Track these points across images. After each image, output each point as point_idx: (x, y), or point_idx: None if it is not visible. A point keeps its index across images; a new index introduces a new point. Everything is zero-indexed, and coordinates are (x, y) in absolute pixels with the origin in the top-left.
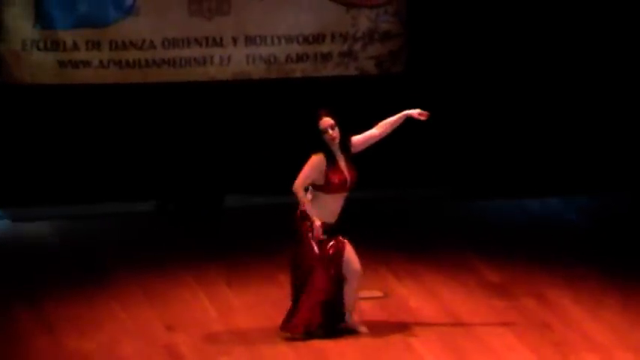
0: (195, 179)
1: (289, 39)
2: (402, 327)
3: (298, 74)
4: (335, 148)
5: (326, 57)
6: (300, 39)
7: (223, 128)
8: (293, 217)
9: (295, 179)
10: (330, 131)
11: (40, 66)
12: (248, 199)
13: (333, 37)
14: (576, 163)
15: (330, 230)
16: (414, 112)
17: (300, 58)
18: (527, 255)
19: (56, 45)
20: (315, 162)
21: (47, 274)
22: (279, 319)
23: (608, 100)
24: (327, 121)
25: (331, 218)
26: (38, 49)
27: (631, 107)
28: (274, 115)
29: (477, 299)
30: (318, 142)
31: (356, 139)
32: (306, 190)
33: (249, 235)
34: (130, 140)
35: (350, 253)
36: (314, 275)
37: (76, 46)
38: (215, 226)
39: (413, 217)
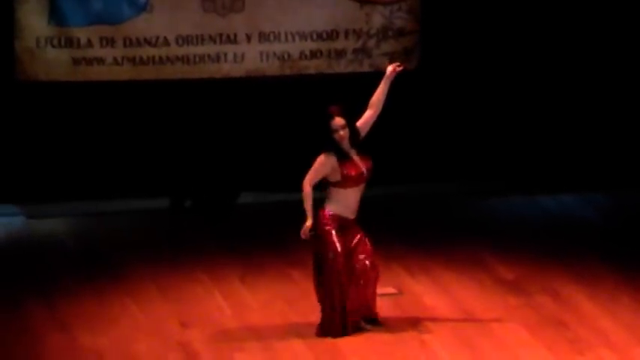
0: (209, 176)
1: (303, 36)
2: (416, 324)
3: (312, 71)
4: (345, 144)
5: (340, 54)
6: (314, 35)
7: (237, 125)
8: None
9: (303, 181)
10: (341, 132)
11: (54, 63)
12: (262, 196)
13: (346, 33)
14: (591, 159)
15: (348, 227)
16: (390, 70)
17: (313, 54)
18: (541, 252)
19: (70, 42)
20: (324, 160)
21: (61, 271)
22: (292, 316)
23: (625, 97)
24: (338, 121)
25: (351, 213)
26: (52, 46)
27: None
28: (288, 112)
29: (491, 296)
30: (328, 140)
31: (358, 125)
32: (324, 187)
33: (264, 232)
34: (144, 137)
35: (368, 246)
36: (336, 270)
37: (90, 43)
38: (229, 223)
39: (427, 214)
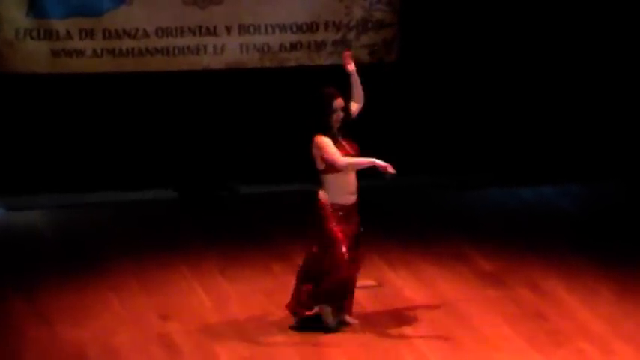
0: (186, 168)
1: (283, 28)
2: (396, 316)
3: (292, 63)
4: (336, 128)
5: (320, 46)
6: (294, 28)
7: (217, 117)
8: (313, 204)
9: (333, 161)
10: (340, 113)
11: (33, 55)
12: (243, 189)
13: (326, 25)
14: (570, 151)
15: (351, 212)
16: (349, 67)
17: (293, 46)
18: (520, 244)
19: (49, 34)
20: (324, 138)
21: (42, 264)
22: (273, 309)
23: (602, 89)
24: (340, 102)
25: (349, 199)
26: (32, 38)
27: (625, 96)
28: (268, 105)
29: (471, 289)
30: (322, 121)
31: (351, 105)
32: (319, 176)
33: (245, 224)
34: (124, 129)
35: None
36: (335, 257)
37: (69, 35)
38: (209, 215)
39: (407, 207)
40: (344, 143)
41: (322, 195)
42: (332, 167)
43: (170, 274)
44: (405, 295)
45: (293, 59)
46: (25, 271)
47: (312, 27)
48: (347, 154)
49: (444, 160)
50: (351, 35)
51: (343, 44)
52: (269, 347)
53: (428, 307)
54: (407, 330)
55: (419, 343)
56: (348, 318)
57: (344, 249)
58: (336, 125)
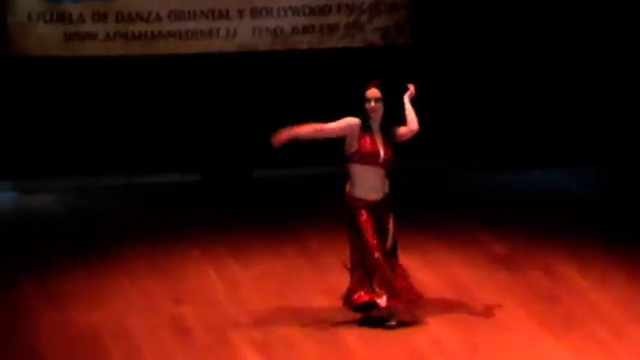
0: (198, 151)
1: (295, 11)
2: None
3: (304, 46)
4: (373, 121)
5: (332, 29)
6: (307, 10)
7: (228, 101)
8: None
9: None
10: (373, 103)
11: (46, 38)
12: (257, 172)
13: (339, 8)
14: (582, 134)
15: (376, 209)
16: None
17: (306, 29)
18: (533, 227)
19: (62, 17)
20: (349, 120)
21: (54, 248)
22: (286, 293)
23: (617, 72)
24: (373, 92)
25: (371, 194)
26: (44, 21)
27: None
28: (280, 88)
29: (483, 272)
30: (360, 109)
31: (399, 129)
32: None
33: (257, 208)
34: (136, 112)
35: (390, 238)
36: (365, 250)
37: (82, 18)
38: (222, 199)
39: (419, 190)
40: (377, 140)
41: (348, 187)
42: (356, 154)
43: (183, 258)
44: (417, 279)
45: (305, 42)
46: (38, 255)
47: (324, 10)
48: (372, 150)
49: (456, 143)
50: (364, 18)
51: (355, 27)
52: (282, 331)
53: (440, 290)
54: (419, 313)
55: (431, 326)
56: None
57: (371, 241)
58: (372, 116)
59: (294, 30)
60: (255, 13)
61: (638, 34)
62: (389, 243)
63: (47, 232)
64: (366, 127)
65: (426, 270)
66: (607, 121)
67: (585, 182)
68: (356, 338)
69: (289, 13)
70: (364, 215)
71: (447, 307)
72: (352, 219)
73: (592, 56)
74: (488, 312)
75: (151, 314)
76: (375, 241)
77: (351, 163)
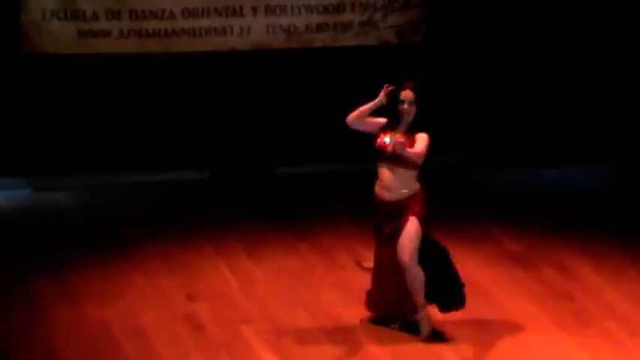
0: (211, 149)
1: (309, 8)
2: None
3: (318, 44)
4: (403, 122)
5: (346, 27)
6: (320, 8)
7: (242, 98)
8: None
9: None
10: (406, 105)
11: (59, 36)
12: (270, 170)
13: (353, 6)
14: (597, 131)
15: (391, 211)
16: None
17: (320, 27)
18: (547, 224)
19: (76, 15)
20: (380, 118)
21: (68, 244)
22: (298, 289)
23: (629, 69)
24: (407, 94)
25: (384, 192)
26: (58, 18)
27: None
28: (294, 86)
29: (497, 269)
30: (393, 108)
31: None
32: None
33: (269, 205)
34: (150, 110)
35: (404, 239)
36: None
37: (95, 16)
38: (235, 196)
39: (432, 187)
40: (402, 139)
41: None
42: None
43: (196, 254)
44: None
45: (319, 40)
46: (52, 252)
47: (338, 8)
48: (381, 143)
49: (470, 141)
50: (378, 16)
51: (369, 25)
52: (295, 328)
53: None
54: (432, 310)
55: (444, 322)
56: (423, 328)
57: (378, 244)
58: (405, 117)
59: (308, 28)
60: (269, 10)
61: None
62: (400, 249)
63: (61, 229)
64: (391, 126)
65: None
66: (620, 119)
67: (599, 180)
68: (369, 335)
69: (303, 10)
70: (376, 223)
71: None
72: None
73: (606, 54)
74: (502, 309)
75: (164, 311)
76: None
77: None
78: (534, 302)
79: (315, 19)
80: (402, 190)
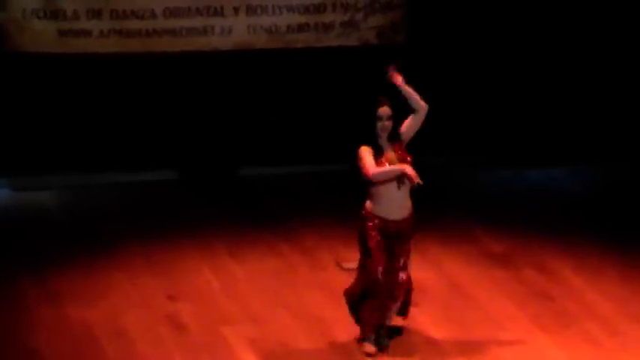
0: (194, 149)
1: (291, 9)
2: None
3: (300, 44)
4: (383, 138)
5: (327, 27)
6: (302, 9)
7: (224, 98)
8: (359, 216)
9: (365, 171)
10: (386, 122)
11: (40, 35)
12: (253, 170)
13: (334, 7)
14: (578, 133)
15: (400, 235)
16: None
17: (301, 28)
18: (529, 225)
19: (56, 14)
20: (367, 149)
21: (50, 245)
22: (280, 289)
23: (609, 71)
24: (385, 110)
25: (394, 214)
26: (38, 17)
27: (633, 79)
28: (276, 86)
29: (478, 269)
30: (368, 129)
31: (402, 128)
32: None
33: (251, 206)
34: (131, 109)
35: (406, 261)
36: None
37: (76, 15)
38: (217, 197)
39: (414, 187)
40: (390, 155)
41: (368, 204)
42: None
43: (178, 255)
44: (413, 275)
45: (301, 40)
46: (34, 252)
47: (319, 8)
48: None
49: (452, 142)
50: (359, 16)
51: (351, 25)
52: (277, 328)
53: (435, 287)
54: (413, 309)
55: (425, 322)
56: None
57: (379, 267)
58: (383, 134)
59: (290, 28)
60: (251, 10)
61: (632, 32)
62: (401, 267)
63: (43, 229)
64: (377, 150)
65: (422, 267)
66: (601, 121)
67: (580, 181)
68: (349, 335)
69: (284, 11)
70: (377, 244)
71: (442, 304)
72: (364, 243)
73: (586, 56)
74: (482, 309)
75: (147, 311)
76: (381, 267)
77: (369, 185)
78: (515, 302)
79: (297, 19)
80: (408, 206)
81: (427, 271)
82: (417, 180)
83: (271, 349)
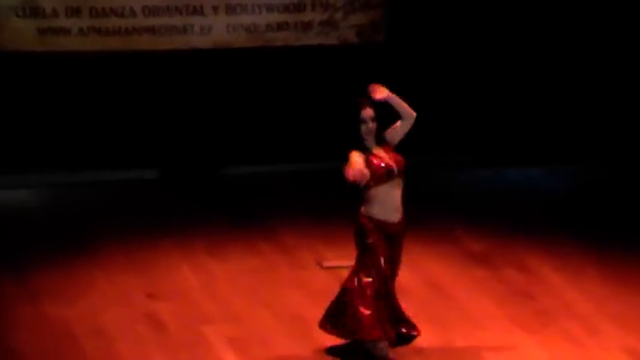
0: (174, 147)
1: (270, 8)
2: None
3: (279, 43)
4: (369, 141)
5: (307, 26)
6: (281, 8)
7: (203, 97)
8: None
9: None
10: (370, 124)
11: (19, 33)
12: (234, 169)
13: (313, 5)
14: (557, 132)
15: (395, 239)
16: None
17: (280, 26)
18: (509, 224)
19: (35, 12)
20: (357, 153)
21: (29, 243)
22: (260, 288)
23: (586, 73)
24: (368, 112)
25: (391, 215)
26: (17, 15)
27: (608, 80)
28: (255, 85)
29: (458, 268)
30: (353, 134)
31: (388, 132)
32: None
33: (231, 204)
34: (111, 108)
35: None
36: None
37: (55, 13)
38: (197, 195)
39: None
40: (382, 154)
41: (363, 209)
42: (371, 178)
43: (158, 253)
44: None
45: (280, 39)
46: (13, 250)
47: (299, 7)
48: (386, 165)
49: (431, 141)
50: (338, 15)
51: (330, 24)
52: (256, 327)
53: (415, 286)
54: None
55: None
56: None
57: (381, 257)
58: (368, 137)
59: (269, 27)
60: (230, 9)
61: (608, 30)
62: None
63: (23, 227)
64: (367, 153)
65: (402, 266)
66: (580, 120)
67: (560, 180)
68: (330, 335)
69: (264, 10)
70: (375, 235)
71: (421, 303)
72: (364, 246)
73: (564, 55)
74: (462, 309)
75: (125, 309)
76: (382, 257)
77: (366, 189)
78: (495, 302)
79: (276, 18)
80: (401, 209)
81: (407, 270)
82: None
83: (251, 347)
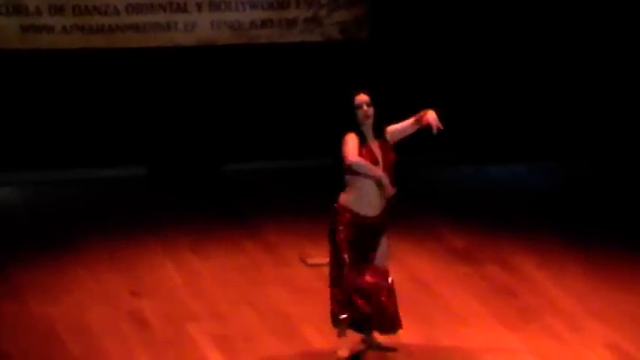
0: (158, 145)
1: (254, 5)
2: None
3: (263, 40)
4: (367, 128)
5: (291, 23)
6: (265, 5)
7: (188, 94)
8: (330, 211)
9: (344, 156)
10: (365, 107)
11: (2, 31)
12: (215, 166)
13: (297, 3)
14: (539, 129)
15: (373, 231)
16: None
17: (264, 24)
18: (492, 221)
19: (18, 9)
20: (352, 136)
21: (13, 240)
22: (244, 285)
23: (571, 72)
24: (362, 97)
25: (370, 210)
26: (0, 13)
27: (594, 76)
28: (239, 82)
29: (442, 265)
30: (350, 122)
31: (390, 128)
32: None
33: (215, 202)
34: (95, 105)
35: (383, 259)
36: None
37: (38, 11)
38: (181, 193)
39: None
40: (374, 147)
41: (342, 197)
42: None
43: (142, 251)
44: None
45: (264, 36)
46: None
47: (283, 4)
48: (372, 159)
49: (414, 139)
50: (323, 12)
51: (314, 21)
52: (241, 324)
53: (398, 283)
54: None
55: None
56: (378, 339)
57: (344, 254)
58: (365, 122)
59: (253, 24)
60: (214, 6)
61: (590, 29)
62: (379, 263)
63: (6, 225)
64: (362, 139)
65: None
66: (562, 117)
67: (542, 177)
68: (314, 331)
69: (248, 7)
70: (345, 232)
71: (404, 299)
72: (332, 237)
73: (547, 53)
74: (445, 305)
75: (109, 307)
76: (346, 255)
77: (346, 175)
78: (477, 298)
79: (260, 15)
80: (383, 203)
81: (391, 266)
82: (392, 192)
83: (236, 345)
